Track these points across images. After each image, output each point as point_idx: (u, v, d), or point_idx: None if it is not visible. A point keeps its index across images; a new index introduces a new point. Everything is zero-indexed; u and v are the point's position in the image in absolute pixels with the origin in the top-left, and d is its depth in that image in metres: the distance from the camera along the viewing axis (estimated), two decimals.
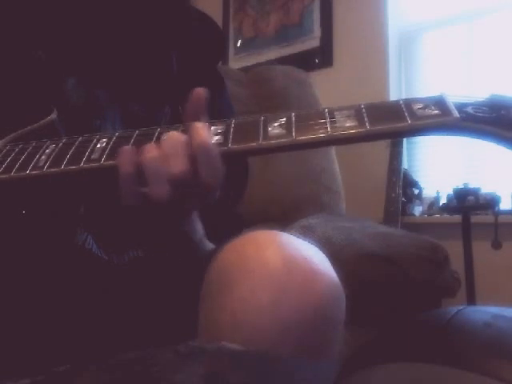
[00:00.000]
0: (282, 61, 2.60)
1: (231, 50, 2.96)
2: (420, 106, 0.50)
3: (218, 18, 2.88)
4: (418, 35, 2.52)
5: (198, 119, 0.54)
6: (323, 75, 2.52)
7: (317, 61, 2.63)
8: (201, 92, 0.54)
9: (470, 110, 0.48)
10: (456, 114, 0.48)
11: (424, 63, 2.50)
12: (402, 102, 0.51)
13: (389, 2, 2.48)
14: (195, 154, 0.51)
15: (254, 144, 0.51)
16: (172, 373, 0.35)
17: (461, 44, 2.37)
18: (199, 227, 0.65)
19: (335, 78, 2.53)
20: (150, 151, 0.51)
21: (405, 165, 2.38)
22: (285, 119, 0.53)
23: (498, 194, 2.00)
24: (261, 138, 0.51)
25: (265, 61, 2.74)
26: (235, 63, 2.85)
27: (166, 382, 0.35)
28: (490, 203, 1.94)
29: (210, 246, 0.69)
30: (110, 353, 0.40)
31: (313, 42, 2.67)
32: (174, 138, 0.52)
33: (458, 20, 2.38)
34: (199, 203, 0.56)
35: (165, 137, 0.52)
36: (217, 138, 0.53)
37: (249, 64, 2.75)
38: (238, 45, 2.95)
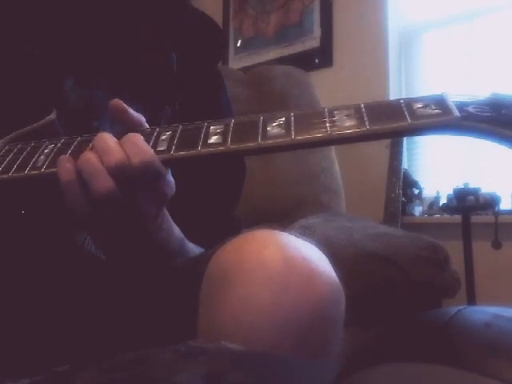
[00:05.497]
0: (282, 61, 2.60)
1: (231, 50, 2.96)
2: (420, 105, 0.50)
3: (218, 18, 2.88)
4: (418, 35, 2.52)
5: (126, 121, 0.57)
6: (323, 75, 2.52)
7: (317, 61, 2.62)
8: (117, 103, 0.57)
9: (470, 109, 0.48)
10: (457, 113, 0.48)
11: (424, 63, 2.49)
12: (402, 101, 0.51)
13: (389, 2, 2.48)
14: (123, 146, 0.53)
15: (252, 144, 0.51)
16: (172, 373, 0.35)
17: (461, 44, 2.36)
18: (176, 231, 0.65)
19: (335, 78, 2.53)
20: (84, 154, 0.54)
21: (405, 165, 2.38)
22: (284, 119, 0.53)
23: (498, 194, 2.00)
24: (260, 138, 0.51)
25: (265, 61, 2.73)
26: (235, 63, 2.85)
27: (165, 382, 0.34)
28: (490, 203, 1.94)
29: (192, 248, 0.68)
30: (110, 353, 0.40)
31: (313, 42, 2.67)
32: (102, 137, 0.55)
33: (458, 20, 2.38)
34: (153, 202, 0.57)
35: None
36: (215, 137, 0.53)
37: (249, 64, 2.75)
38: (238, 45, 2.95)
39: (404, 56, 2.54)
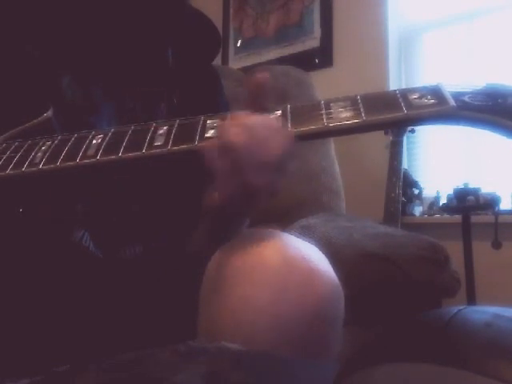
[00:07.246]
0: (282, 61, 2.59)
1: (231, 50, 2.96)
2: (416, 95, 0.50)
3: (218, 17, 2.88)
4: (418, 35, 2.52)
5: (260, 104, 0.54)
6: (323, 75, 2.52)
7: (317, 61, 2.62)
8: (263, 76, 0.54)
9: (466, 98, 0.48)
10: (452, 102, 0.48)
11: (424, 63, 2.49)
12: (398, 91, 0.51)
13: (389, 2, 2.48)
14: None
15: None
16: (172, 373, 0.35)
17: (461, 44, 2.36)
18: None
19: (335, 78, 2.53)
20: (239, 136, 0.49)
21: (405, 165, 2.38)
22: (280, 112, 0.53)
23: (498, 194, 1.99)
24: None
25: (265, 61, 2.73)
26: (235, 63, 2.85)
27: (166, 382, 0.35)
28: (490, 203, 1.94)
29: None
30: (110, 353, 0.40)
31: (313, 42, 2.67)
32: (265, 121, 0.51)
33: (458, 20, 2.38)
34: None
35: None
36: (213, 132, 0.53)
37: (249, 64, 2.75)
38: (238, 45, 2.95)
39: (404, 56, 2.54)
